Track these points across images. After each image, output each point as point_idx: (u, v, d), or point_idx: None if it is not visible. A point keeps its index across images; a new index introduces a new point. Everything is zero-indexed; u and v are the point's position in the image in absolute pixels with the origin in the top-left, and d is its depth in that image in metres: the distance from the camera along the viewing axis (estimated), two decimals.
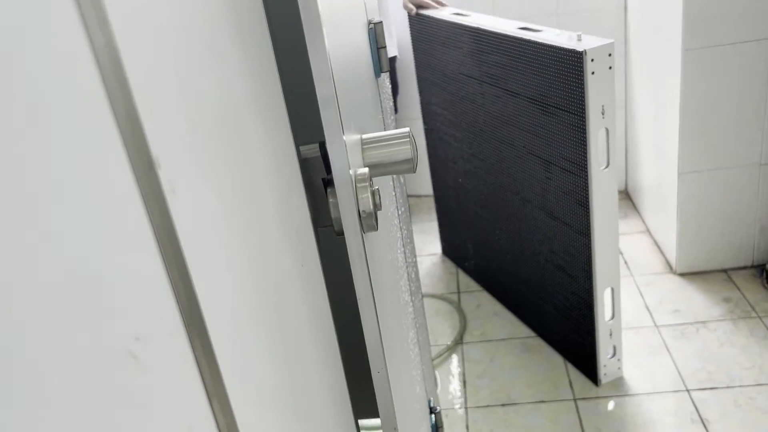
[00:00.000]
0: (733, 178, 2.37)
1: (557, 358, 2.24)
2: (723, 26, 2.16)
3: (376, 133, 0.72)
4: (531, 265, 2.26)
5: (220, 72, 0.50)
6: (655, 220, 2.78)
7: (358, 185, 0.59)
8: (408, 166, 0.70)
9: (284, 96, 0.65)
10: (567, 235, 2.00)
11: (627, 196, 3.17)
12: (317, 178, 0.66)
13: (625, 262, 2.67)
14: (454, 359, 2.32)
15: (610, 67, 1.73)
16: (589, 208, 1.86)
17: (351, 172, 0.57)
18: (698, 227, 2.46)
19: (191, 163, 0.41)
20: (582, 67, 1.70)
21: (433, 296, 2.67)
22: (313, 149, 0.66)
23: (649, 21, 2.60)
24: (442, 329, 2.47)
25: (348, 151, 0.57)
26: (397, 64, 3.09)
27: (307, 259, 0.67)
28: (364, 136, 0.71)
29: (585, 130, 1.77)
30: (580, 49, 1.70)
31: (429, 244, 3.05)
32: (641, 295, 2.47)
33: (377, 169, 0.70)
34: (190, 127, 0.42)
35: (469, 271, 2.76)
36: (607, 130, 1.79)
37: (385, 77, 1.32)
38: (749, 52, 2.18)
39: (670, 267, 2.59)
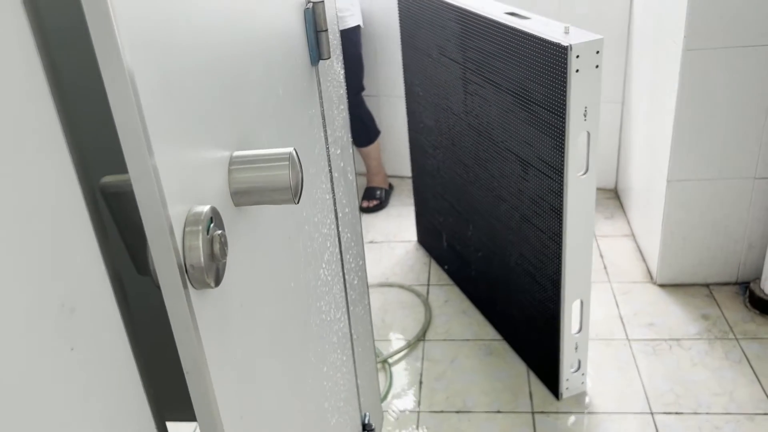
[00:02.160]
0: (725, 190, 2.24)
1: (520, 366, 2.13)
2: (728, 28, 2.00)
3: (250, 152, 0.58)
4: (501, 266, 2.14)
5: None
6: (640, 224, 2.65)
7: (188, 229, 0.46)
8: (285, 196, 0.57)
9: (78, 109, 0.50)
10: (539, 240, 1.87)
11: (616, 196, 3.03)
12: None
13: (605, 267, 2.55)
14: (414, 357, 2.21)
15: (597, 66, 1.58)
16: (562, 216, 1.73)
17: (170, 211, 0.44)
18: (683, 238, 2.33)
19: None
20: (566, 63, 1.56)
21: (401, 287, 2.55)
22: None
23: (652, 16, 2.43)
24: (406, 323, 2.36)
25: (165, 180, 0.43)
26: (363, 37, 2.94)
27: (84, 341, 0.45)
28: (236, 153, 0.58)
29: (564, 131, 1.63)
30: (565, 43, 1.55)
31: (405, 230, 2.92)
32: (617, 304, 2.35)
33: (247, 197, 0.57)
34: None
35: (441, 263, 2.64)
36: (588, 133, 1.65)
37: (334, 62, 1.18)
38: (753, 57, 2.03)
39: (651, 276, 2.46)
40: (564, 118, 1.62)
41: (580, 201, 1.71)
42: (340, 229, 1.18)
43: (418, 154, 2.60)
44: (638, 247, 2.64)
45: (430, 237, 2.70)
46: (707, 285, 2.39)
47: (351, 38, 2.85)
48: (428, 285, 2.56)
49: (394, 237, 2.89)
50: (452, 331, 2.30)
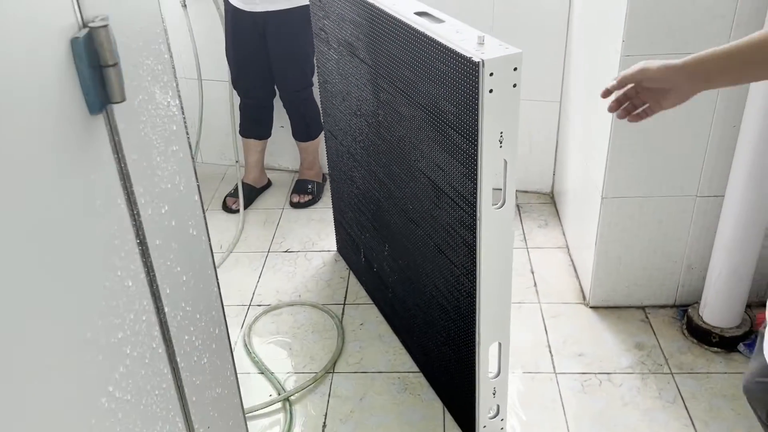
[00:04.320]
0: (664, 208, 2.04)
1: (436, 405, 1.92)
2: (671, 32, 1.78)
3: None
4: (417, 295, 1.91)
5: None
6: (574, 237, 2.45)
7: None
8: None
9: None
10: (453, 275, 1.65)
11: (551, 200, 2.83)
12: None
13: (535, 284, 2.35)
14: (321, 393, 1.97)
15: (515, 85, 1.34)
16: (476, 252, 1.50)
17: None
18: (618, 258, 2.13)
19: None
20: (477, 81, 1.31)
21: (314, 306, 2.31)
22: None
23: (591, 14, 2.20)
24: (315, 350, 2.12)
25: None
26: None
27: None
28: None
29: (476, 158, 1.39)
30: (476, 58, 1.30)
31: (326, 237, 2.67)
32: (545, 329, 2.15)
33: None
34: None
35: (359, 277, 2.41)
36: (505, 161, 1.42)
37: (157, 92, 0.91)
38: None
39: (584, 296, 2.27)
40: (476, 144, 1.38)
41: (495, 237, 1.48)
42: (165, 311, 0.92)
43: (334, 156, 2.34)
44: (572, 261, 2.45)
45: (348, 248, 2.46)
46: (643, 308, 2.21)
47: (301, 17, 2.53)
48: (344, 304, 2.32)
49: (312, 245, 2.64)
50: (366, 360, 2.08)
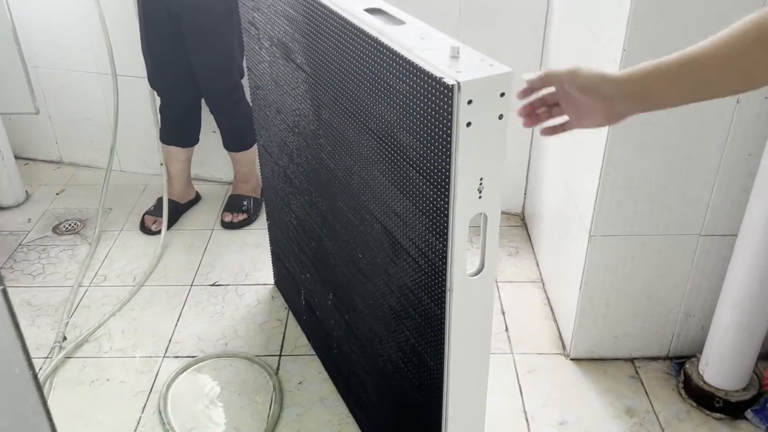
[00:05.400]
0: (662, 248, 1.71)
1: None
2: (679, 39, 1.44)
3: None
4: (369, 362, 1.54)
5: None
6: (551, 271, 2.12)
7: None
8: None
9: None
10: (413, 351, 1.28)
11: (522, 222, 2.49)
12: None
13: (506, 329, 2.00)
14: None
15: (501, 116, 0.97)
16: (444, 330, 1.13)
17: None
18: (606, 304, 1.80)
19: None
20: (450, 111, 0.94)
21: (246, 358, 1.91)
22: None
23: (580, 15, 1.85)
24: (242, 421, 1.73)
25: None
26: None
27: None
28: None
29: (447, 211, 1.02)
30: (449, 79, 0.93)
31: (262, 266, 2.28)
32: (520, 388, 1.81)
33: None
34: None
35: (300, 321, 2.02)
36: (485, 216, 1.05)
37: None
38: None
39: (563, 345, 1.94)
40: (446, 193, 1.01)
41: (470, 313, 1.12)
42: None
43: (269, 175, 1.94)
44: (548, 299, 2.11)
45: (287, 284, 2.07)
46: (632, 360, 1.89)
47: (223, 4, 2.11)
48: (280, 355, 1.93)
49: (245, 277, 2.24)
50: None
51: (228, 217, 2.49)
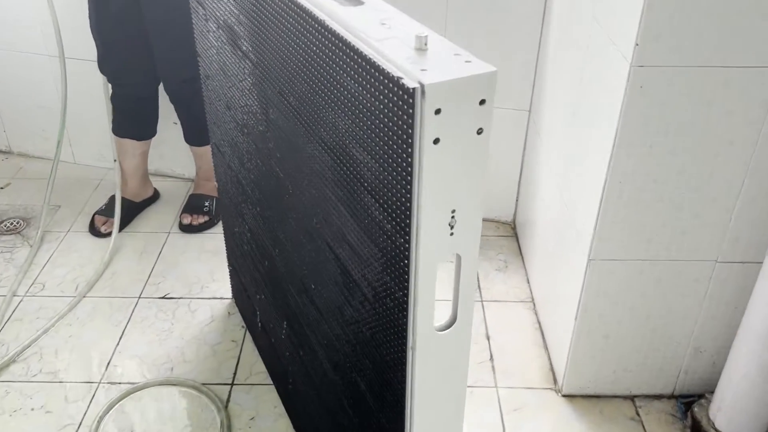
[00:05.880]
0: (673, 275, 1.48)
1: None
2: (701, 37, 1.19)
3: None
4: (324, 404, 1.31)
5: None
6: (543, 290, 1.88)
7: None
8: None
9: None
10: (372, 414, 1.04)
11: (513, 232, 2.25)
12: None
13: (491, 357, 1.77)
14: None
15: (481, 131, 0.73)
16: (404, 400, 0.90)
17: None
18: (605, 337, 1.57)
19: None
20: (411, 122, 0.69)
21: (193, 387, 1.68)
22: None
23: (584, 9, 1.60)
24: None
25: None
26: None
27: None
28: None
29: (407, 251, 0.78)
30: (410, 80, 0.68)
31: (220, 278, 2.04)
32: (503, 429, 1.58)
33: None
34: None
35: (257, 344, 1.78)
36: (459, 257, 0.81)
37: None
38: (719, 74, 1.24)
39: (555, 379, 1.71)
40: (408, 228, 0.76)
41: (438, 375, 0.88)
42: None
43: (222, 176, 1.70)
44: (539, 323, 1.88)
45: (244, 301, 1.83)
46: (632, 398, 1.66)
47: None
48: (232, 384, 1.69)
49: (200, 289, 2.00)
50: None
51: (187, 219, 2.25)
